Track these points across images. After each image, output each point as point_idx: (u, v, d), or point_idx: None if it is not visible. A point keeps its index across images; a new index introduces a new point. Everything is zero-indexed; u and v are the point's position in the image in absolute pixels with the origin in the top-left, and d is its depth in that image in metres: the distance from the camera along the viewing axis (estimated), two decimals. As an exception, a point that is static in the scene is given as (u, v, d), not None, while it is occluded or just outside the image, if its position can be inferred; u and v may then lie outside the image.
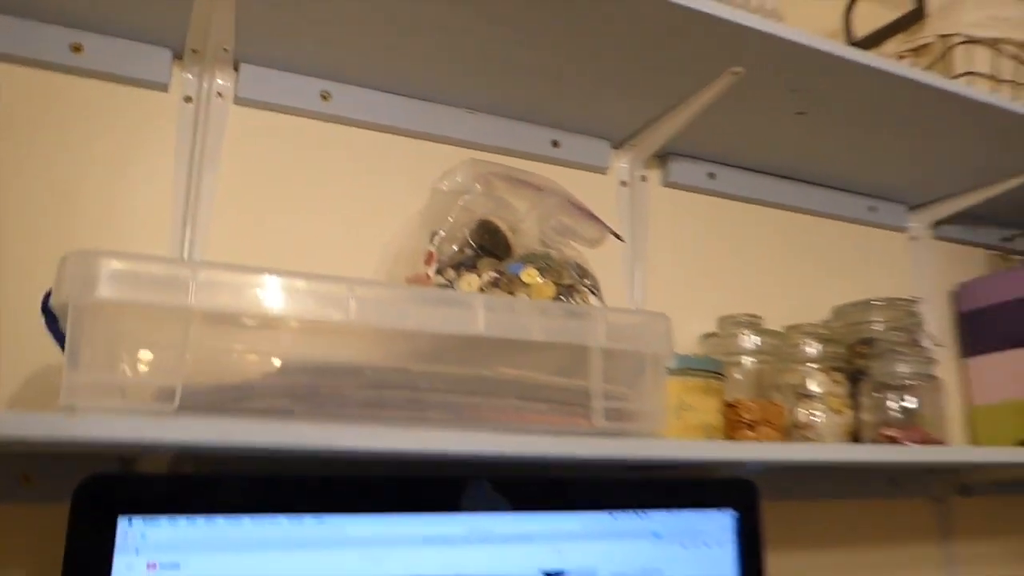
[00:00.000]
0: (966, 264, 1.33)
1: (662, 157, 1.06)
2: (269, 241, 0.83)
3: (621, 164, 1.04)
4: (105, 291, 0.49)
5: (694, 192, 1.09)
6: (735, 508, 0.82)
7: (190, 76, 0.82)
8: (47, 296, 0.53)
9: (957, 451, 0.83)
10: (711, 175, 1.09)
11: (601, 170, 1.02)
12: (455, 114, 0.93)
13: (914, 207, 1.27)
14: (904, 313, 1.04)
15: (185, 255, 0.78)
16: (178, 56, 0.82)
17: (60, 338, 0.53)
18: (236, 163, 0.83)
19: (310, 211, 0.85)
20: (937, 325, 1.26)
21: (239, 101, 0.84)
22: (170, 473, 0.60)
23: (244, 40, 0.80)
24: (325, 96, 0.87)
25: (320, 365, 0.55)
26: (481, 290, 0.67)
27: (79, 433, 0.45)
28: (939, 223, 1.28)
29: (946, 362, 1.25)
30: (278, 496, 0.62)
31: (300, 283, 0.55)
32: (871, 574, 1.09)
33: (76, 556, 0.56)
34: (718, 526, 0.81)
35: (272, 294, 0.54)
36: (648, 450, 0.63)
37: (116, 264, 0.50)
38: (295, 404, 0.55)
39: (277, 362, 0.55)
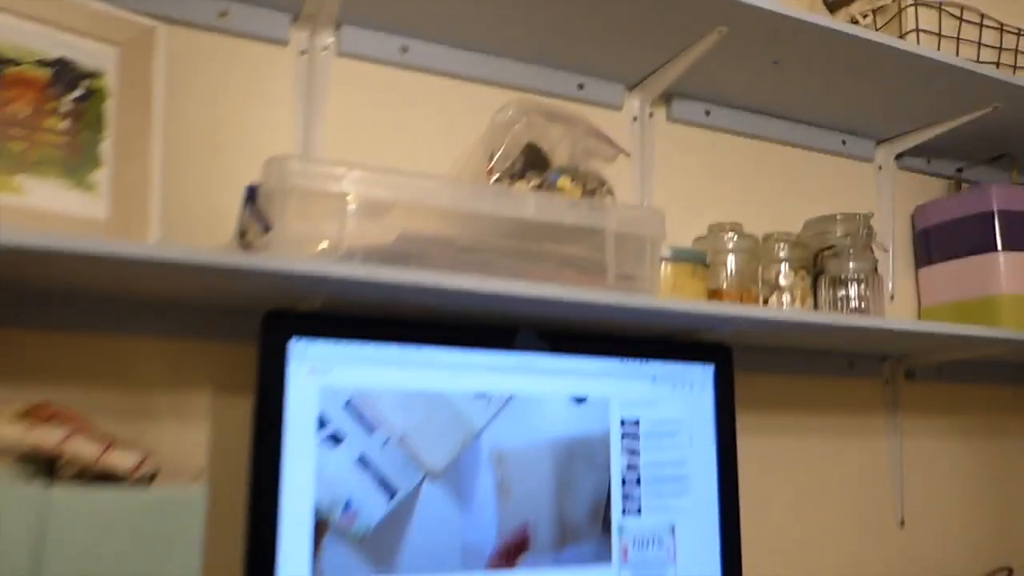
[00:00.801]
0: (924, 190, 1.58)
1: (667, 97, 1.31)
2: (365, 160, 1.10)
3: (633, 103, 1.29)
4: (295, 180, 0.77)
5: (693, 126, 1.34)
6: (714, 362, 1.10)
7: (304, 34, 1.09)
8: (252, 188, 0.80)
9: (888, 321, 1.09)
10: (707, 112, 1.34)
11: (617, 108, 1.28)
12: (503, 63, 1.19)
13: (880, 141, 1.51)
14: (860, 225, 1.29)
15: (305, 170, 1.05)
16: (295, 19, 1.08)
17: (259, 215, 0.80)
18: (339, 103, 1.10)
19: (394, 138, 1.12)
20: (898, 242, 1.52)
21: (340, 54, 1.10)
22: (322, 311, 0.88)
23: (346, 6, 1.05)
24: (404, 49, 1.13)
25: (428, 236, 0.83)
26: (529, 192, 0.94)
27: (292, 268, 0.73)
28: (901, 155, 1.53)
29: (905, 272, 1.51)
30: (392, 330, 0.90)
31: (417, 180, 0.82)
32: (828, 437, 1.37)
33: (264, 364, 0.85)
34: (701, 375, 1.09)
35: (398, 186, 0.81)
36: (645, 303, 0.90)
37: (301, 164, 0.78)
38: (411, 262, 0.82)
39: (398, 233, 0.82)
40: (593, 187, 0.96)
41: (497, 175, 0.97)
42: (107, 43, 0.91)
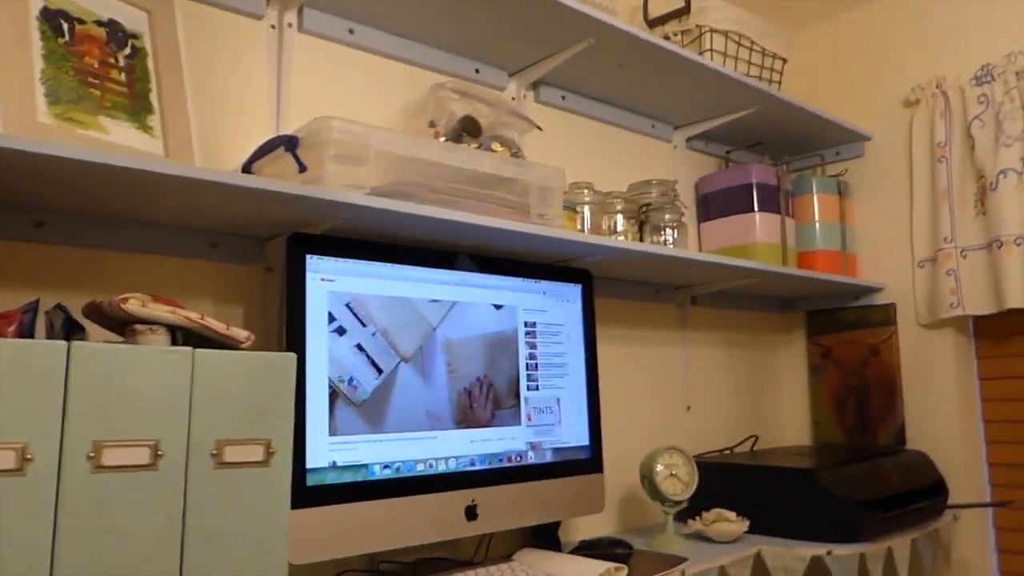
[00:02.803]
0: (705, 166, 2.11)
1: (536, 84, 1.70)
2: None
3: (512, 86, 1.66)
4: (335, 135, 1.05)
5: (552, 107, 1.74)
6: (582, 283, 1.51)
7: (274, 12, 1.32)
8: (292, 138, 1.06)
9: (691, 253, 1.57)
10: (563, 97, 1.74)
11: (501, 89, 1.64)
12: (423, 48, 1.50)
13: (677, 127, 2.01)
14: (668, 188, 1.77)
15: (276, 122, 1.30)
16: (268, -1, 1.31)
17: (299, 160, 1.07)
18: (300, 69, 1.35)
19: (340, 100, 1.39)
20: (687, 201, 2.03)
21: (302, 31, 1.35)
22: (329, 234, 1.16)
23: (310, -7, 1.31)
24: (351, 31, 1.40)
25: (414, 181, 1.14)
26: (471, 152, 1.28)
27: (326, 195, 1.02)
28: (691, 139, 2.04)
29: (691, 226, 2.03)
30: (377, 252, 1.20)
31: (413, 139, 1.13)
32: (642, 344, 1.85)
33: (290, 272, 1.12)
34: (573, 291, 1.49)
35: (400, 144, 1.11)
36: (560, 235, 1.28)
37: (337, 122, 1.06)
38: (404, 198, 1.13)
39: (393, 176, 1.13)
40: (515, 151, 1.32)
41: (443, 138, 1.30)
42: (139, 8, 1.10)
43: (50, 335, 0.93)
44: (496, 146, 1.29)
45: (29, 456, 0.77)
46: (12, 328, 0.80)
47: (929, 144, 2.02)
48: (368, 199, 1.06)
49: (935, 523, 1.76)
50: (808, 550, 1.50)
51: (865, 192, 2.16)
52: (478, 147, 1.29)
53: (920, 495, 1.76)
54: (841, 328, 2.18)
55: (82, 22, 1.03)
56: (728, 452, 1.94)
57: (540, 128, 1.41)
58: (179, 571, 0.85)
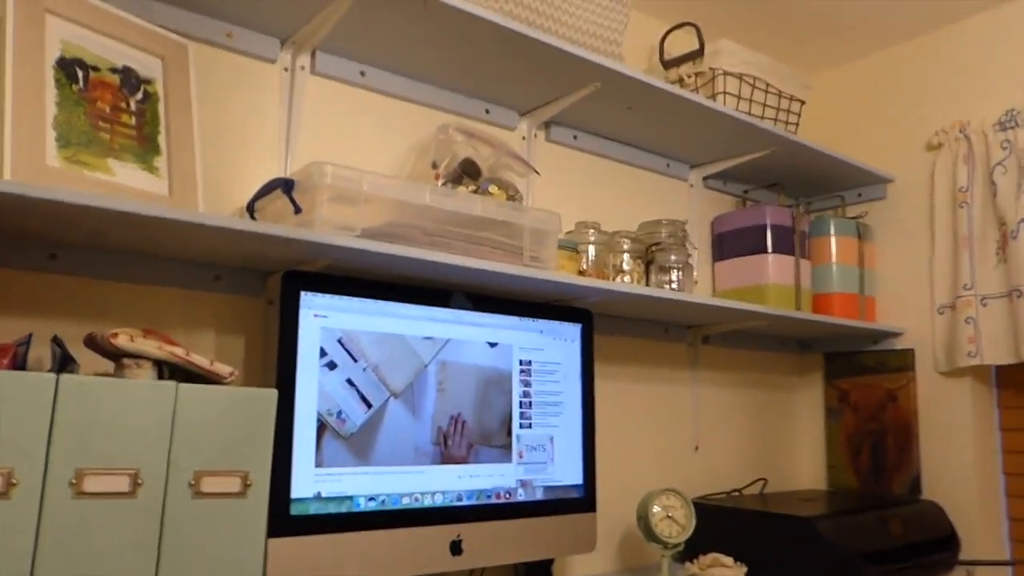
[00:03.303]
0: (722, 205, 2.11)
1: (547, 124, 1.73)
2: (327, 157, 1.41)
3: (523, 126, 1.69)
4: (328, 180, 1.10)
5: (564, 146, 1.77)
6: (581, 323, 1.53)
7: (287, 56, 1.38)
8: (288, 181, 1.11)
9: (696, 297, 1.58)
10: (575, 137, 1.77)
11: (511, 129, 1.67)
12: (434, 90, 1.54)
13: (693, 166, 2.02)
14: (678, 228, 1.78)
15: (285, 161, 1.36)
16: (283, 43, 1.37)
17: (294, 202, 1.12)
18: (311, 111, 1.40)
19: (350, 141, 1.44)
20: (701, 242, 2.03)
21: (314, 73, 1.41)
22: (324, 272, 1.20)
23: (320, 35, 1.36)
24: (363, 73, 1.45)
25: (407, 223, 1.18)
26: (468, 194, 1.31)
27: (315, 239, 1.06)
28: (707, 178, 2.05)
29: (705, 265, 2.03)
30: (371, 289, 1.24)
31: (405, 184, 1.17)
32: (648, 383, 1.86)
33: (284, 309, 1.16)
34: (572, 331, 1.51)
35: (393, 188, 1.16)
36: (548, 277, 1.31)
37: (330, 168, 1.10)
38: (396, 240, 1.17)
39: (388, 219, 1.17)
40: (512, 193, 1.35)
41: (443, 180, 1.34)
42: (154, 55, 1.17)
43: (53, 362, 0.99)
44: (494, 188, 1.33)
45: (14, 481, 0.82)
46: (6, 360, 0.86)
47: (951, 188, 1.99)
48: (355, 241, 1.10)
49: (944, 577, 1.72)
50: (804, 600, 1.49)
51: (886, 235, 2.14)
52: (476, 189, 1.33)
53: (930, 548, 1.72)
54: (859, 372, 2.15)
55: (97, 69, 1.09)
56: (736, 494, 1.93)
57: (537, 172, 1.45)
58: (152, 596, 0.89)
